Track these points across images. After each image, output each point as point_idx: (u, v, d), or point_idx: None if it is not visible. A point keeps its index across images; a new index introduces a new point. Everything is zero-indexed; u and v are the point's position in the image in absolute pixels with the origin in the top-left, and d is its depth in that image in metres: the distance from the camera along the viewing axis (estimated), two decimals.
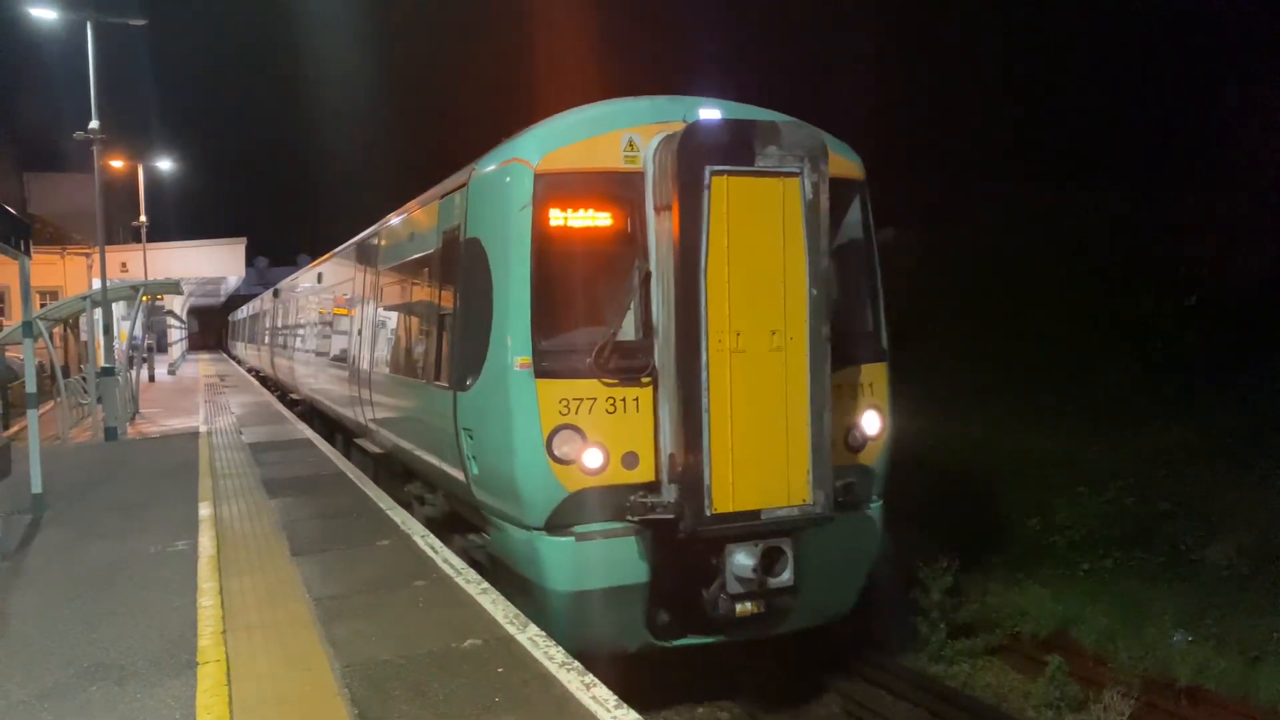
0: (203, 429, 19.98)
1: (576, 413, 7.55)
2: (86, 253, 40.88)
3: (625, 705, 5.34)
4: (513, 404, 7.62)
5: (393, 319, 12.58)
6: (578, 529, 7.62)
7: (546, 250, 7.69)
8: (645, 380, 7.64)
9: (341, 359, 16.07)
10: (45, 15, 22.44)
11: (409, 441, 11.01)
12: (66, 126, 25.43)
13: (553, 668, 5.89)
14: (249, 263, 54.35)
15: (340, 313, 16.97)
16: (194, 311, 74.44)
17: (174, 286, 27.86)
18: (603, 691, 5.52)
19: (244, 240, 46.77)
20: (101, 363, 21.30)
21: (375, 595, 7.53)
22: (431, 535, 9.57)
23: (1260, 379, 16.33)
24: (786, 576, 7.53)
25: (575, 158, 7.80)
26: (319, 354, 19.17)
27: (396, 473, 12.32)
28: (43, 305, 29.59)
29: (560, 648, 6.29)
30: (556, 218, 7.71)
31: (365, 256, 14.84)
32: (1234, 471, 14.08)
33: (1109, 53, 26.76)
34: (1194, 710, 9.41)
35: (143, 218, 42.97)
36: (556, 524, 7.62)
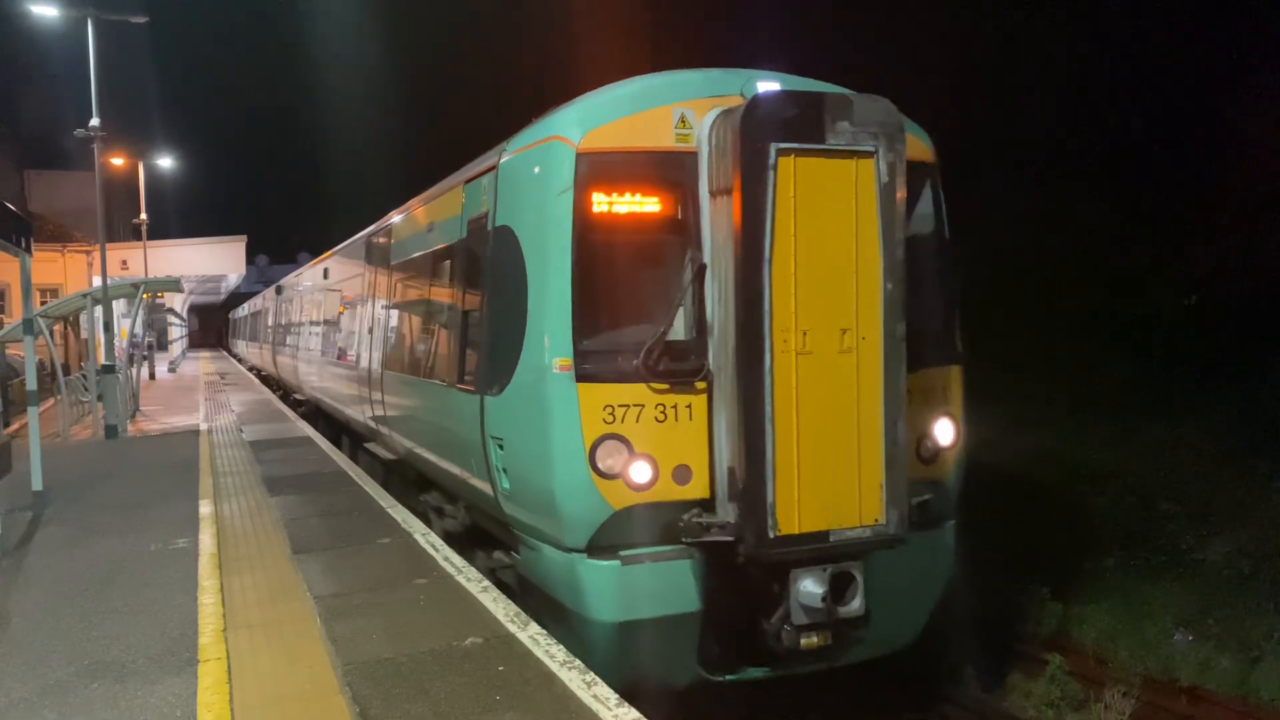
0: (203, 427, 19.98)
1: (622, 421, 6.78)
2: (87, 250, 40.95)
3: (626, 704, 5.34)
4: (551, 411, 6.85)
5: (408, 316, 11.81)
6: (624, 551, 6.85)
7: (589, 239, 6.90)
8: (699, 385, 6.87)
9: (350, 359, 15.28)
10: (46, 12, 22.46)
11: (427, 449, 10.25)
12: (67, 124, 25.45)
13: (554, 666, 5.89)
14: (249, 261, 54.39)
15: (349, 310, 16.12)
16: (194, 309, 74.52)
17: (174, 284, 27.81)
18: (604, 690, 5.51)
19: (244, 238, 46.84)
20: (102, 360, 21.31)
21: (376, 593, 7.52)
22: (432, 534, 9.57)
23: None
24: (857, 605, 6.74)
25: (621, 135, 7.00)
26: (325, 353, 18.39)
27: (410, 480, 11.69)
28: (43, 303, 29.59)
29: (561, 646, 6.29)
30: (600, 203, 6.93)
31: (377, 249, 13.94)
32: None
33: (1105, 48, 26.76)
34: None
35: (143, 215, 42.98)
36: (599, 545, 6.84)
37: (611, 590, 6.87)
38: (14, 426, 20.31)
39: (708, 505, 6.86)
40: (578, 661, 6.02)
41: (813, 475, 6.48)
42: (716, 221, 6.84)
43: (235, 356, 57.39)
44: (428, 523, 10.31)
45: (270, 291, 32.66)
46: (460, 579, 7.83)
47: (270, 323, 31.25)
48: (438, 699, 5.45)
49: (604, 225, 6.95)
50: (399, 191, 13.71)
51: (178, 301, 53.08)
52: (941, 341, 7.93)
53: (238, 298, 63.71)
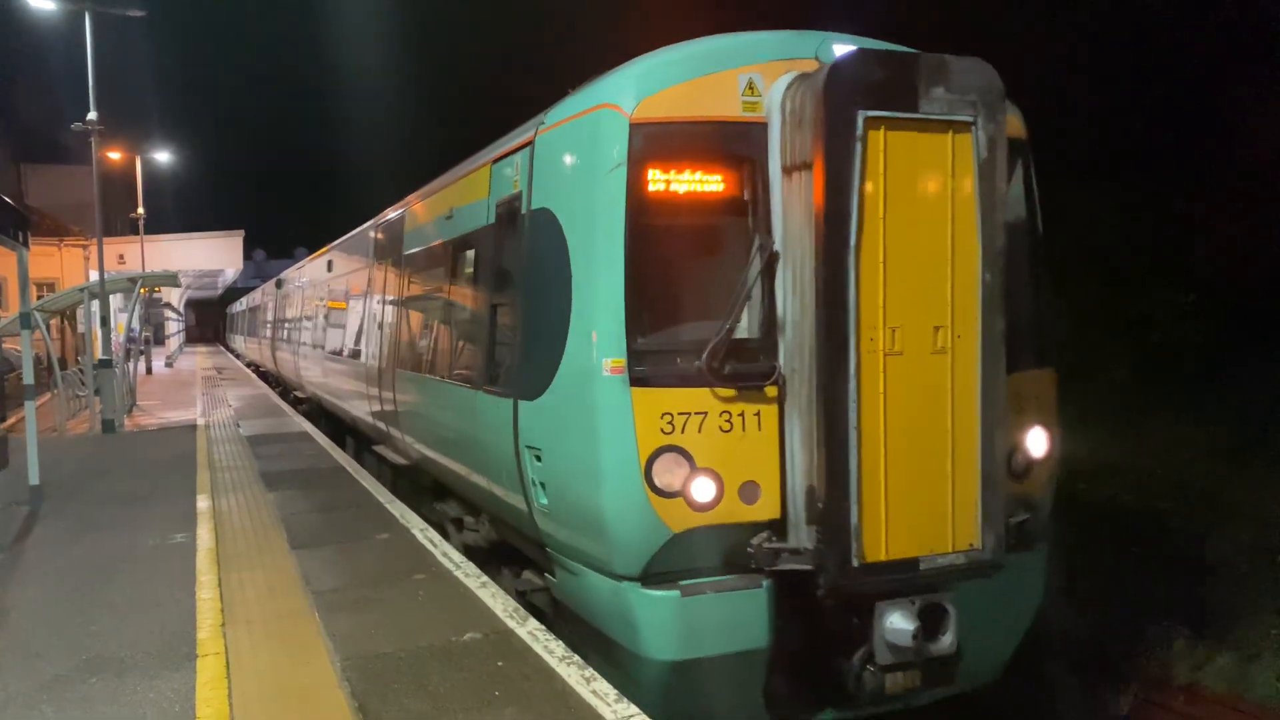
0: (200, 421, 19.97)
1: (683, 431, 5.95)
2: (84, 244, 40.93)
3: (625, 699, 5.35)
4: (600, 418, 6.02)
5: (425, 311, 10.89)
6: (684, 580, 6.02)
7: (644, 222, 6.06)
8: (769, 390, 6.03)
9: (358, 356, 14.35)
10: (44, 6, 22.40)
11: (445, 455, 9.41)
12: (64, 118, 25.41)
13: (553, 661, 5.89)
14: (247, 255, 54.44)
15: (357, 304, 15.14)
16: (191, 304, 74.53)
17: (171, 279, 27.79)
18: (603, 686, 5.52)
19: (242, 233, 46.89)
20: (99, 355, 21.28)
21: (375, 589, 7.52)
22: (430, 529, 9.56)
23: None
24: (949, 641, 5.94)
25: (680, 103, 6.13)
26: (330, 350, 17.38)
27: (425, 487, 10.93)
28: (40, 297, 29.53)
29: (560, 642, 6.29)
30: (656, 180, 6.08)
31: (388, 239, 12.96)
32: None
33: (1100, 42, 26.74)
34: None
35: (140, 210, 42.97)
36: (655, 573, 6.01)
37: (669, 625, 6.02)
38: (11, 421, 20.29)
39: (778, 528, 6.04)
40: (576, 657, 6.02)
41: (901, 494, 5.71)
42: (790, 202, 6.02)
43: (233, 352, 57.35)
44: (444, 534, 9.68)
45: (270, 285, 31.84)
46: (459, 574, 7.83)
47: (270, 317, 30.36)
48: (437, 694, 5.45)
49: (661, 206, 6.12)
50: (399, 187, 13.40)
51: (175, 296, 53.10)
52: (1034, 341, 7.01)
53: (235, 293, 63.71)
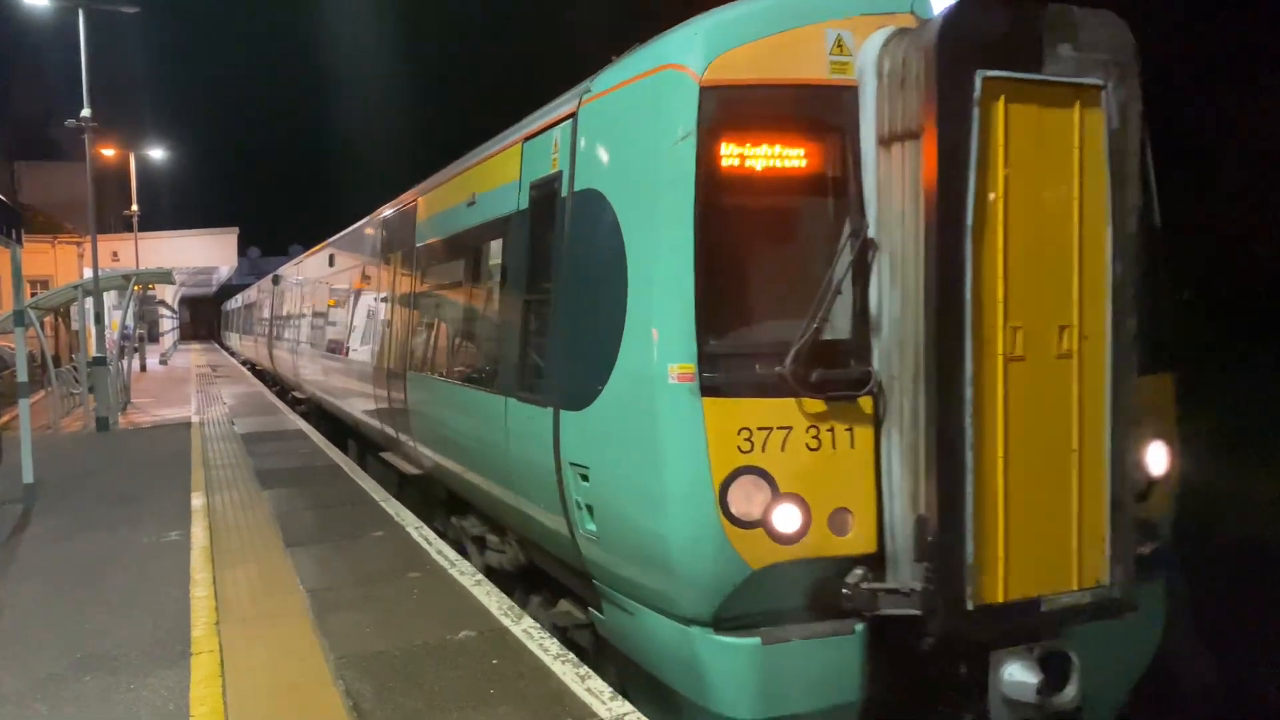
0: (195, 419, 19.94)
1: (764, 448, 5.07)
2: (78, 241, 40.79)
3: (620, 697, 5.35)
4: (664, 434, 5.17)
5: (442, 308, 10.00)
6: (765, 626, 5.18)
7: (717, 203, 5.20)
8: (863, 401, 5.16)
9: (364, 357, 13.38)
10: (38, 2, 22.32)
11: (467, 468, 8.52)
12: (58, 115, 25.34)
13: (547, 660, 5.89)
14: (241, 253, 54.32)
15: (363, 301, 14.28)
16: (186, 301, 74.42)
17: (166, 276, 27.75)
18: (598, 684, 5.52)
19: (236, 230, 46.85)
20: (93, 352, 21.24)
21: (369, 587, 7.51)
22: (425, 527, 9.56)
23: None
24: (1073, 694, 5.09)
25: (758, 63, 5.25)
26: (332, 350, 16.34)
27: (440, 500, 10.14)
28: (34, 294, 29.46)
29: (555, 640, 6.29)
30: (731, 155, 5.22)
31: (399, 230, 11.93)
32: None
33: None
34: None
35: (134, 207, 42.86)
36: (730, 616, 5.16)
37: (747, 678, 5.15)
38: (4, 418, 20.24)
39: (873, 562, 5.19)
40: (571, 655, 6.02)
41: (1022, 523, 4.90)
42: (889, 178, 5.15)
43: (228, 349, 57.25)
44: (461, 552, 8.92)
45: (267, 281, 30.78)
46: (454, 572, 7.83)
47: (268, 314, 29.27)
48: (431, 692, 5.45)
49: (735, 184, 5.27)
50: (396, 185, 13.21)
51: (169, 293, 52.96)
52: (1152, 342, 5.90)
53: (229, 290, 63.60)
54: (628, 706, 5.22)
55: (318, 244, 20.73)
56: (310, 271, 20.94)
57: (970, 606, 4.73)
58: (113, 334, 25.29)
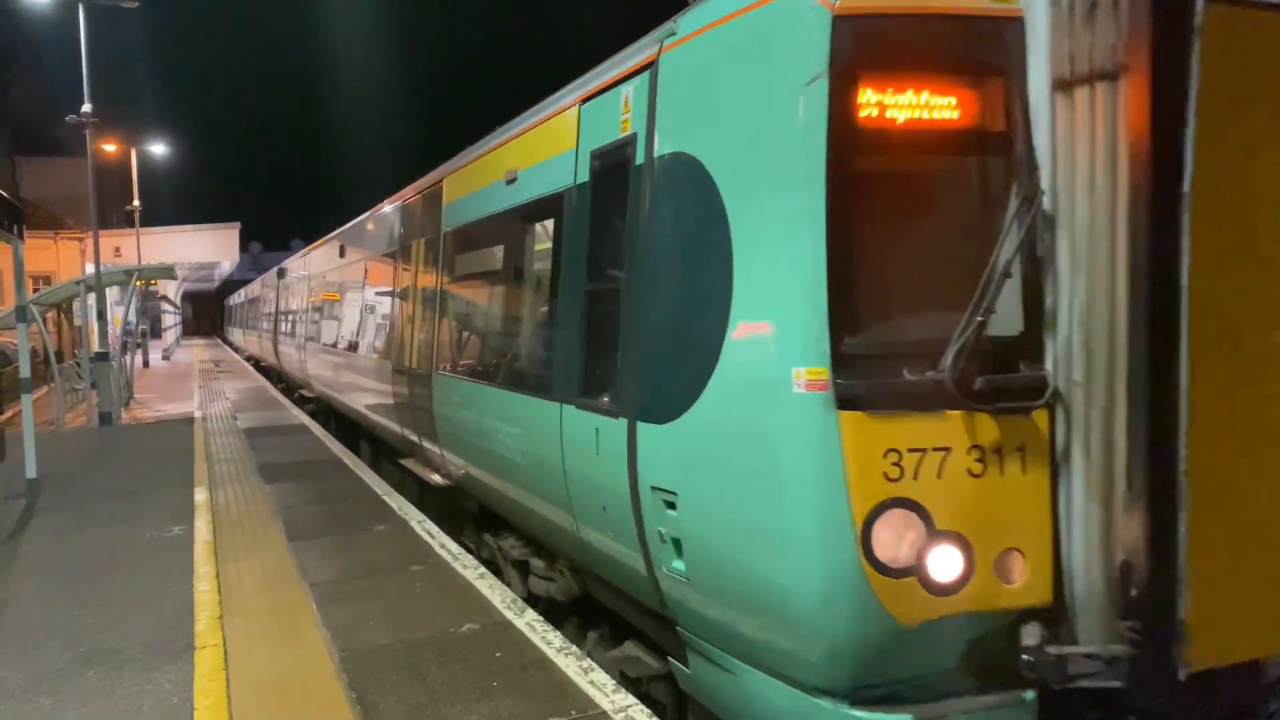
0: (198, 414, 19.97)
1: (916, 476, 4.05)
2: (79, 237, 40.83)
3: (623, 690, 5.36)
4: (789, 456, 4.16)
5: (476, 299, 8.93)
6: (916, 700, 4.17)
7: (854, 164, 4.13)
8: (1039, 413, 4.11)
9: (382, 355, 12.33)
10: None
11: (510, 483, 7.45)
12: (59, 110, 25.34)
13: (550, 652, 5.89)
14: (243, 248, 54.41)
15: (380, 295, 13.20)
16: (188, 297, 74.49)
17: (168, 271, 27.81)
18: (600, 676, 5.52)
19: (238, 225, 46.89)
20: (96, 348, 21.26)
21: (372, 580, 7.52)
22: (428, 520, 9.56)
23: None
24: None
25: None
26: (345, 347, 15.36)
27: (470, 514, 9.32)
28: (36, 290, 29.50)
29: (558, 633, 6.29)
30: (870, 103, 4.13)
31: (421, 215, 10.81)
32: None
33: None
34: None
35: (136, 202, 42.90)
36: (872, 685, 4.16)
37: None
38: (8, 414, 20.27)
39: (1050, 616, 4.14)
40: (574, 648, 6.02)
41: (1245, 567, 3.92)
42: (1069, 133, 4.07)
43: (230, 345, 57.29)
44: (499, 575, 8.02)
45: (272, 275, 29.62)
46: (456, 566, 7.84)
47: (273, 309, 28.16)
48: (434, 685, 5.46)
49: (877, 140, 4.19)
50: (398, 181, 13.04)
51: (171, 289, 53.04)
52: None
53: (231, 285, 63.69)
54: (630, 699, 5.22)
55: (320, 238, 20.52)
56: (321, 263, 19.55)
57: (1183, 675, 3.78)
58: (115, 330, 25.33)
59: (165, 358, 45.82)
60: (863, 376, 4.04)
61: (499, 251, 8.14)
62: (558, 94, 6.96)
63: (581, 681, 5.44)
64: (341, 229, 17.36)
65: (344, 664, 5.80)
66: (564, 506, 6.27)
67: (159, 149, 44.89)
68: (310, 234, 30.87)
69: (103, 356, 19.99)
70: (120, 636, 6.51)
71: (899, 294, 4.27)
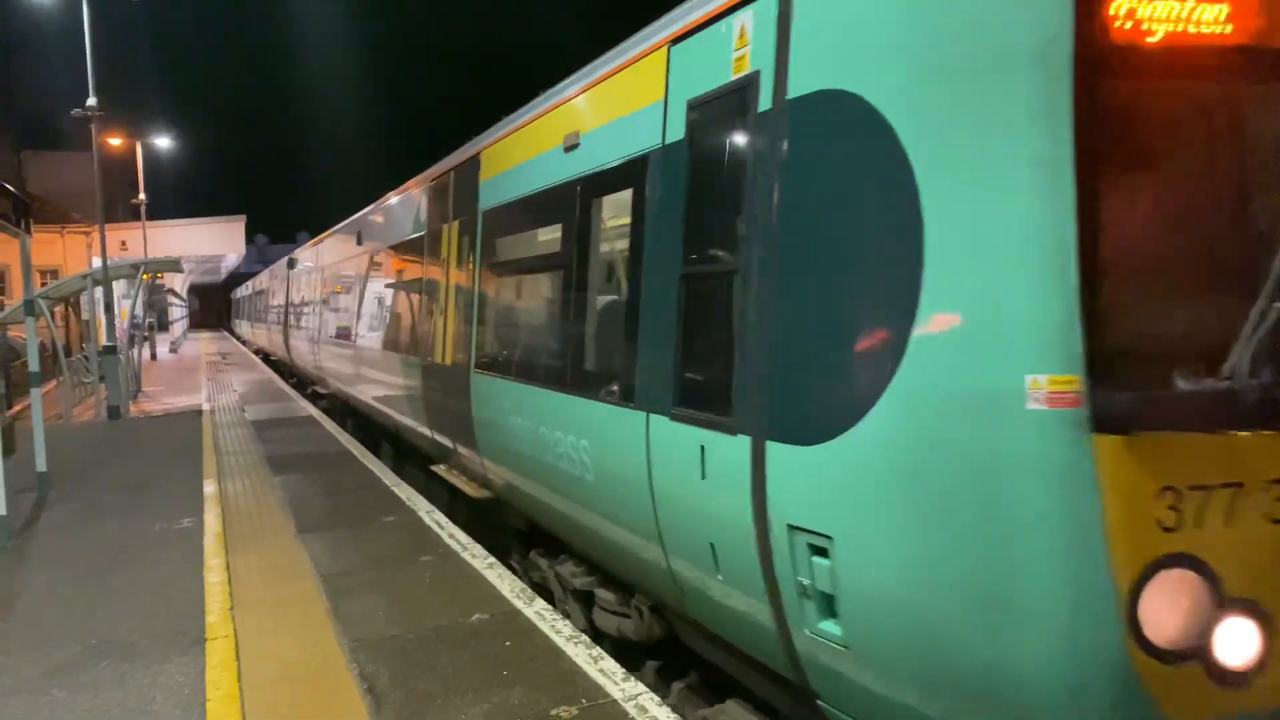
0: (206, 407, 20.01)
1: (1200, 522, 3.10)
2: (86, 231, 40.90)
3: (633, 677, 5.36)
4: (1020, 497, 3.13)
5: (525, 287, 7.85)
6: None
7: (1107, 98, 3.11)
8: None
9: (408, 352, 11.18)
10: None
11: (573, 502, 6.43)
12: (64, 104, 25.33)
13: (560, 641, 5.90)
14: (249, 240, 54.45)
15: (404, 285, 12.02)
16: (194, 290, 74.61)
17: (174, 265, 27.76)
18: (610, 664, 5.53)
19: (243, 218, 46.88)
20: (103, 341, 21.33)
21: (382, 571, 7.54)
22: (437, 511, 9.58)
23: None
24: None
25: None
26: (364, 342, 14.28)
27: (509, 527, 8.61)
28: (43, 284, 29.55)
29: (568, 622, 6.30)
30: (1123, 15, 3.13)
31: (454, 195, 9.64)
32: None
33: None
34: None
35: (142, 196, 42.95)
36: None
37: None
38: (17, 408, 20.34)
39: None
40: (584, 636, 6.03)
41: None
42: None
43: (238, 338, 57.37)
44: (552, 602, 7.28)
45: (281, 265, 28.73)
46: (465, 556, 7.85)
47: (283, 301, 27.29)
48: (445, 674, 5.47)
49: (1136, 66, 3.16)
50: (399, 177, 12.83)
51: (178, 282, 53.14)
52: None
53: (238, 278, 63.80)
54: (640, 686, 5.22)
55: (327, 229, 20.33)
56: (336, 251, 17.98)
57: None
58: (123, 323, 25.42)
59: (172, 351, 45.91)
60: (1128, 387, 3.03)
61: (554, 232, 6.91)
62: (631, 39, 5.84)
63: (591, 670, 5.45)
64: (359, 214, 15.94)
65: (354, 654, 5.82)
66: (650, 536, 5.27)
67: (164, 142, 44.89)
68: (316, 226, 30.84)
69: (110, 350, 20.04)
70: (132, 628, 6.53)
71: (1173, 272, 3.25)
